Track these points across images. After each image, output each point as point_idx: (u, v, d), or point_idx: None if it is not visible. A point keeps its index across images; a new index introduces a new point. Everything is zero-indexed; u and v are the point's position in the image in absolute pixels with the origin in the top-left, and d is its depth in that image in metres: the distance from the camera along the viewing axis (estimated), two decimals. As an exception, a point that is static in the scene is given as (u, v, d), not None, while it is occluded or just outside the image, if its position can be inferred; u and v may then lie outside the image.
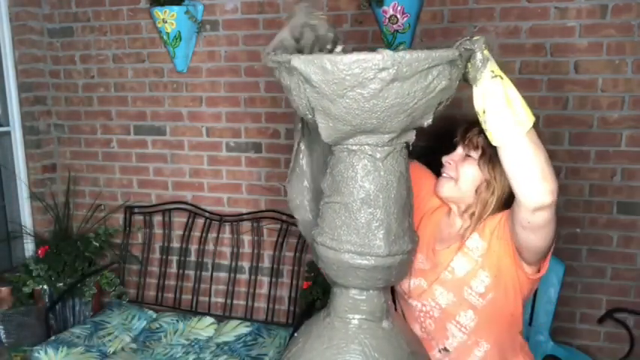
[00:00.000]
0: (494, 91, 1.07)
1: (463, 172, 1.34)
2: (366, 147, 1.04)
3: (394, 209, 1.07)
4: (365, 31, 2.54)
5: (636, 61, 2.24)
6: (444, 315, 1.35)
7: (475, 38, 1.04)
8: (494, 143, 1.11)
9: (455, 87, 1.04)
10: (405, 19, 2.35)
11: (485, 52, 1.05)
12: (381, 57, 0.90)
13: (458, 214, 1.40)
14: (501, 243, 1.29)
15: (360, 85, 0.92)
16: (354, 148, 1.05)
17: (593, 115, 2.33)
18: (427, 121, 1.04)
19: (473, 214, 1.35)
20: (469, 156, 1.35)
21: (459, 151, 1.37)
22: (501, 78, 1.07)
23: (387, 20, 2.36)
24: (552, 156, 2.44)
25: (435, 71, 0.95)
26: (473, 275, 1.32)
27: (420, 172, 1.51)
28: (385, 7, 2.33)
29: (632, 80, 2.26)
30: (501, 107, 1.07)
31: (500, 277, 1.30)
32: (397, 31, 2.38)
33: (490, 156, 1.28)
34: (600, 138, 2.33)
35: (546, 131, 2.37)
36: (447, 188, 1.37)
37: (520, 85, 2.58)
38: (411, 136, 1.08)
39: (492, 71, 1.06)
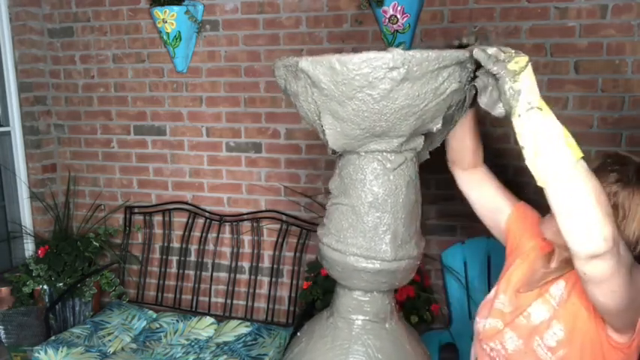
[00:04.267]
0: (531, 126, 0.94)
1: None
2: (377, 154, 1.03)
3: (402, 214, 1.06)
4: (365, 31, 2.54)
5: (636, 61, 2.25)
6: None
7: (506, 60, 0.92)
8: (538, 183, 0.97)
9: (464, 90, 1.01)
10: (405, 19, 2.35)
11: (516, 83, 0.92)
12: (391, 56, 0.88)
13: (557, 260, 1.23)
14: (582, 295, 1.11)
15: (370, 86, 0.90)
16: (364, 154, 1.04)
17: (593, 115, 2.33)
18: (437, 126, 1.02)
19: (566, 258, 1.16)
20: None
21: None
22: (540, 109, 0.94)
23: (387, 20, 2.36)
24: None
25: (445, 72, 0.92)
26: (547, 325, 1.16)
27: (527, 213, 1.38)
28: (385, 7, 2.33)
29: (632, 80, 2.26)
30: (540, 144, 0.93)
31: (574, 333, 1.12)
32: (397, 31, 2.38)
33: None
34: (600, 138, 2.33)
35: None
36: (550, 230, 1.20)
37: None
38: (420, 142, 1.06)
39: (529, 102, 0.94)
